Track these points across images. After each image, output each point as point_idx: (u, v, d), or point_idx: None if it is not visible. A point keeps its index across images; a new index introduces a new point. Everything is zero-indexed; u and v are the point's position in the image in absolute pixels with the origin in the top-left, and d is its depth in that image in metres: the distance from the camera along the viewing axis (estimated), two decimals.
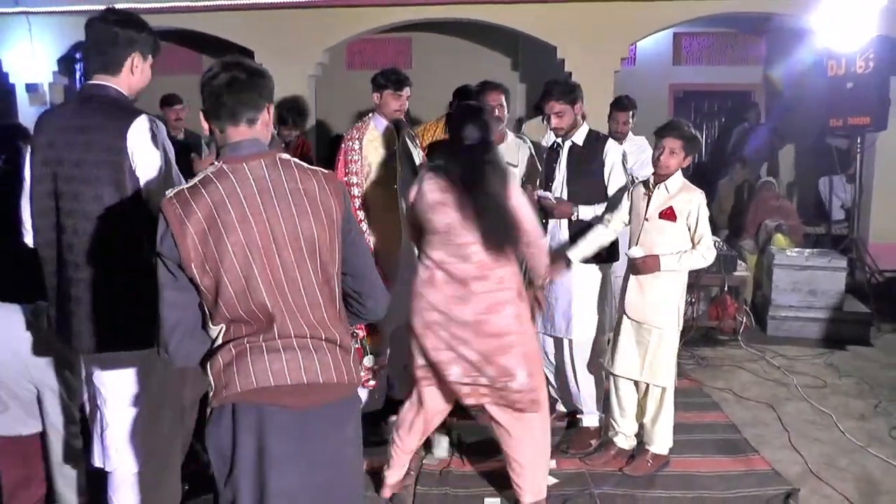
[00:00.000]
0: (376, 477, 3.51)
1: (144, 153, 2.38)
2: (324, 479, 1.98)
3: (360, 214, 3.97)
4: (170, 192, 1.91)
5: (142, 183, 2.39)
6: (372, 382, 4.03)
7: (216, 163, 1.96)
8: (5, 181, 2.86)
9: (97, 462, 2.63)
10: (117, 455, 2.57)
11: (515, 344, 3.10)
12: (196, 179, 1.92)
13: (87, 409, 2.69)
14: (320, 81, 8.50)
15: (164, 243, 1.87)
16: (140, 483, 2.62)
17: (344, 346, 2.03)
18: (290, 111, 5.90)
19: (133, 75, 2.51)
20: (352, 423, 2.07)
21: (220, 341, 1.96)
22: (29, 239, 2.57)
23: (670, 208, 3.56)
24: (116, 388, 2.53)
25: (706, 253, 3.54)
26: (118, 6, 8.11)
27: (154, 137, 2.41)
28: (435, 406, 3.31)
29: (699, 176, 9.08)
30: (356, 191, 3.98)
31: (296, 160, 2.01)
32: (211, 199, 1.87)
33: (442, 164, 3.13)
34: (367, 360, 3.98)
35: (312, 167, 2.02)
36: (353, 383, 2.05)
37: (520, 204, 3.11)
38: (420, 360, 3.22)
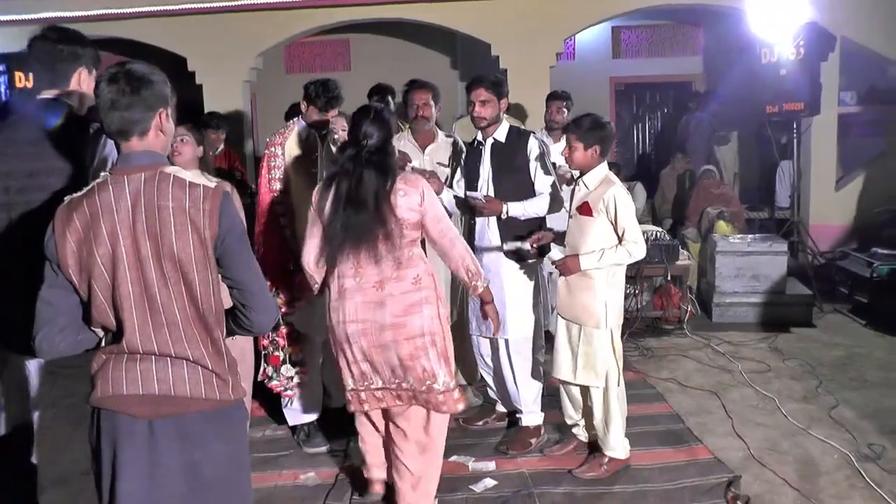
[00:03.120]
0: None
1: (102, 161, 2.47)
2: (176, 490, 1.98)
3: (283, 221, 3.86)
4: (67, 198, 1.98)
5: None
6: (290, 392, 3.91)
7: (103, 173, 2.00)
8: None
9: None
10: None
11: (433, 344, 3.04)
12: (86, 189, 1.97)
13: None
14: (260, 88, 8.37)
15: (49, 245, 1.95)
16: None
17: (204, 365, 2.00)
18: (211, 115, 5.79)
19: (80, 88, 2.60)
20: (217, 439, 2.03)
21: (101, 345, 2.04)
22: None
23: (586, 203, 3.50)
24: (68, 390, 2.53)
25: (632, 248, 3.42)
26: (47, 15, 7.82)
27: (110, 147, 2.50)
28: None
29: (644, 167, 9.16)
30: (279, 197, 3.88)
31: (179, 174, 1.97)
32: (89, 211, 1.93)
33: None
34: (286, 370, 3.86)
35: (196, 181, 1.97)
36: (214, 399, 2.01)
37: (429, 207, 3.03)
38: (348, 382, 3.15)
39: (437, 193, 3.77)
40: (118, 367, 1.97)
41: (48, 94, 2.56)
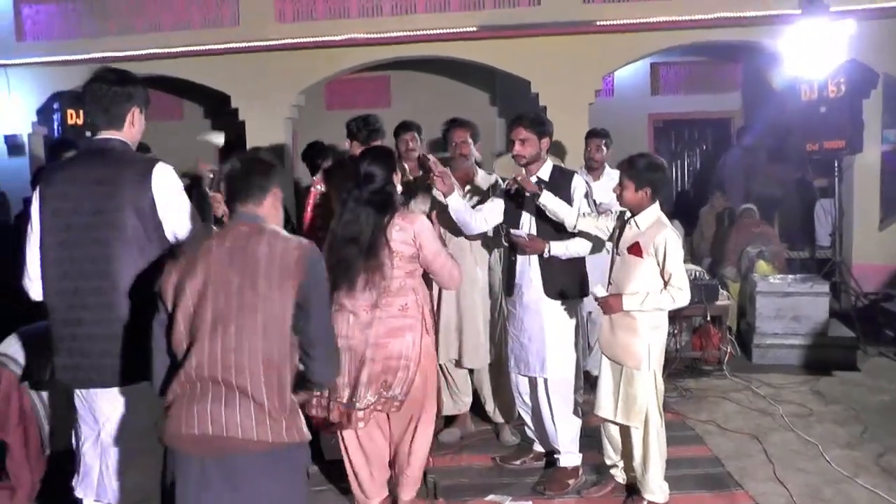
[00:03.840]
0: None
1: (169, 196, 2.59)
2: None
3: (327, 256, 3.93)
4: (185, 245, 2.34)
5: (168, 223, 2.59)
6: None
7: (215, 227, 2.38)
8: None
9: (109, 496, 2.68)
10: (112, 488, 2.66)
11: (405, 369, 3.27)
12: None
13: (80, 447, 2.76)
14: (301, 123, 8.53)
15: (158, 280, 2.24)
16: None
17: (261, 402, 2.10)
18: (256, 151, 5.86)
19: (133, 127, 2.71)
20: (269, 479, 2.12)
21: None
22: (34, 290, 2.66)
23: (637, 243, 3.47)
24: (126, 420, 2.63)
25: (676, 294, 3.37)
26: (97, 55, 8.14)
27: (175, 181, 2.64)
28: (372, 446, 3.46)
29: (682, 205, 9.10)
30: (323, 234, 3.94)
31: (275, 230, 2.29)
32: (194, 251, 2.23)
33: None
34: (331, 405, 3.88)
35: (290, 236, 2.29)
36: (266, 441, 2.11)
37: (424, 244, 3.30)
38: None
39: (448, 194, 3.86)
40: (179, 405, 2.13)
41: (106, 134, 2.66)
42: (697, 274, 6.09)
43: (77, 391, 2.69)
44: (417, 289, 3.39)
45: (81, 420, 2.72)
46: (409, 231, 3.28)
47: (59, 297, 2.60)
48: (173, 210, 2.60)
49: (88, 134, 2.81)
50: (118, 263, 2.53)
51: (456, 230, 4.18)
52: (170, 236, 2.60)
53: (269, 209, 2.36)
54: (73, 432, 2.81)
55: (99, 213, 2.54)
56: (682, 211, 8.62)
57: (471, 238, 4.21)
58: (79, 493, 2.76)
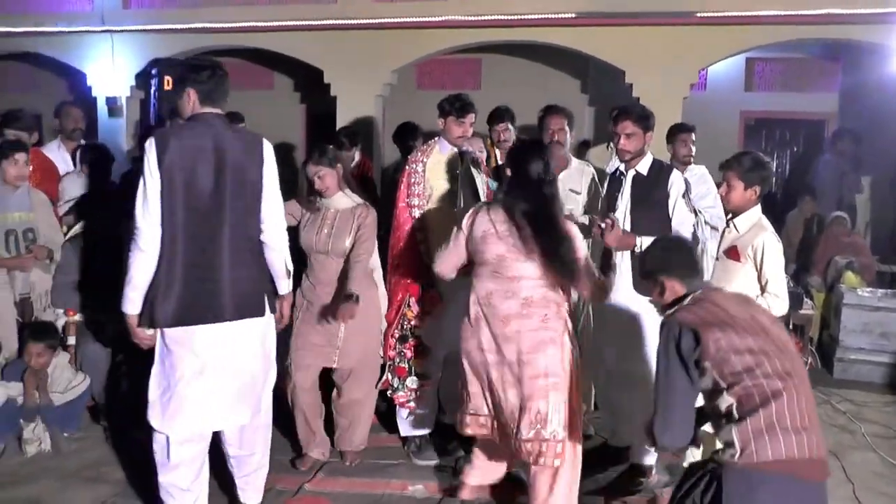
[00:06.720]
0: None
1: (270, 165, 3.18)
2: None
3: (419, 236, 4.01)
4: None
5: (268, 187, 3.16)
6: (412, 404, 4.04)
7: None
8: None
9: (201, 426, 3.13)
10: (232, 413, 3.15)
11: (555, 388, 3.10)
12: None
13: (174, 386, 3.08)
14: (392, 102, 8.60)
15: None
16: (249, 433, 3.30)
17: None
18: (338, 134, 5.97)
19: None
20: None
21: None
22: (151, 235, 2.96)
23: (735, 247, 3.41)
24: (243, 351, 3.13)
25: (772, 301, 3.27)
26: (199, 24, 8.44)
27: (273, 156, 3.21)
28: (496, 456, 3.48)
29: (769, 207, 8.83)
30: (416, 213, 4.04)
31: None
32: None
33: (501, 199, 3.28)
34: (411, 381, 4.00)
35: None
36: None
37: (573, 235, 3.21)
38: (469, 408, 3.34)
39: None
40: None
41: (213, 109, 3.15)
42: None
43: (184, 330, 3.04)
44: (560, 298, 3.23)
45: (178, 360, 3.03)
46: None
47: (171, 246, 2.98)
48: (272, 179, 3.19)
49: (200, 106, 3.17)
50: (237, 214, 3.06)
51: None
52: (265, 202, 3.15)
53: None
54: (159, 374, 3.11)
55: (219, 172, 3.03)
56: (769, 214, 8.37)
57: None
58: (164, 429, 3.07)
